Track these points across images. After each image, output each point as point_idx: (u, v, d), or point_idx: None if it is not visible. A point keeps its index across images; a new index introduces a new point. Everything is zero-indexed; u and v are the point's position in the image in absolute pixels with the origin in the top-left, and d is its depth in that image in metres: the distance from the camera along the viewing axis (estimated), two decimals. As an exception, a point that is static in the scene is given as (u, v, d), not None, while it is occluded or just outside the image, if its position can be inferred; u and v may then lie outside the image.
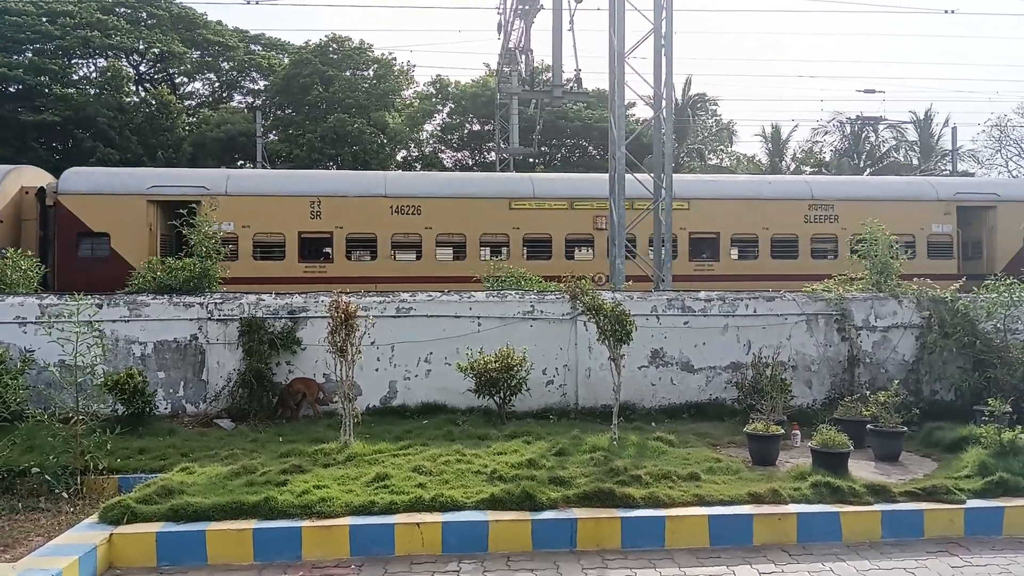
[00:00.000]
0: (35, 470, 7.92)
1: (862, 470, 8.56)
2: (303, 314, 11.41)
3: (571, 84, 27.99)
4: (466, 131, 45.15)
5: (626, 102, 16.53)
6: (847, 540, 7.20)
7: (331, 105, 39.86)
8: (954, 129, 39.51)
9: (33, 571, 5.75)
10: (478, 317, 11.61)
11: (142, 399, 10.12)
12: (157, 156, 36.96)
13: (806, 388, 11.92)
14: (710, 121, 47.42)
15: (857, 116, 40.65)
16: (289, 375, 11.27)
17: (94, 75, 39.68)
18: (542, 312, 11.71)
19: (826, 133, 45.02)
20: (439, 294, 11.98)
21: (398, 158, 43.67)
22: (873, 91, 38.04)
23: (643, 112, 40.58)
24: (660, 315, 11.86)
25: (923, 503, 7.55)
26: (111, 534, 6.58)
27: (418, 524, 6.88)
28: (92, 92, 37.64)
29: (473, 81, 44.39)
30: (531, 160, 39.50)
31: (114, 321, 11.11)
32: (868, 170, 42.30)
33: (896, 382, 10.24)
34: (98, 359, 9.02)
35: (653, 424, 10.59)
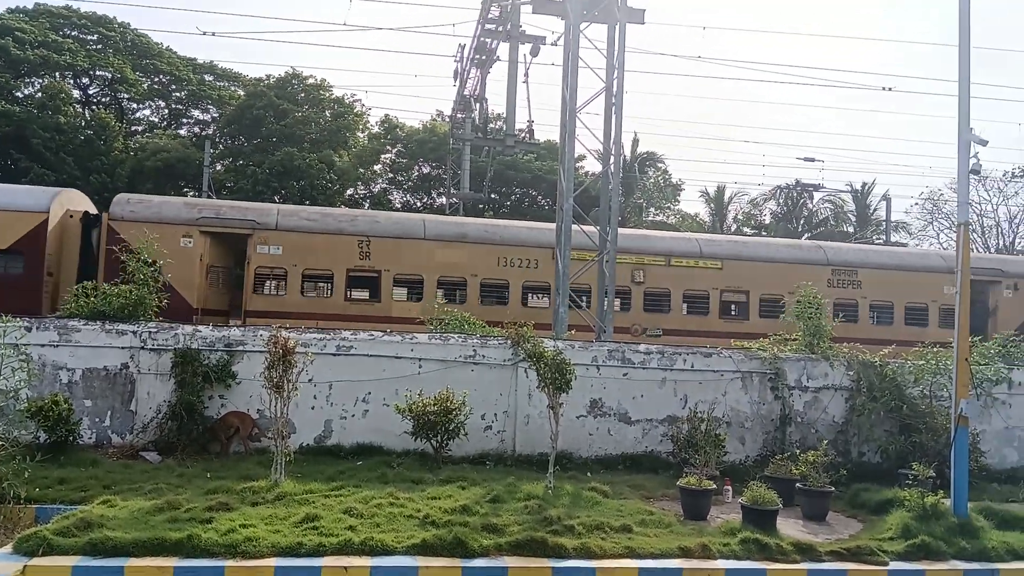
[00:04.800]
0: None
1: (790, 528, 8.71)
2: (240, 347, 11.20)
3: (523, 134, 28.37)
4: (416, 173, 45.31)
5: (576, 156, 16.89)
6: (774, 597, 7.29)
7: (282, 139, 39.68)
8: (888, 200, 41.10)
9: (-64, 603, 5.48)
10: (419, 359, 11.56)
11: (66, 427, 9.80)
12: (91, 179, 36.10)
13: (739, 444, 12.10)
14: (658, 178, 48.49)
15: (796, 182, 42.04)
16: (221, 409, 11.02)
17: (38, 94, 38.82)
18: (484, 357, 11.72)
19: (767, 200, 46.39)
20: (380, 334, 11.91)
21: (345, 196, 43.52)
22: (812, 159, 39.41)
23: (592, 165, 41.36)
24: (600, 365, 11.97)
25: (848, 563, 7.71)
26: (25, 566, 6.34)
27: (346, 568, 6.76)
28: (34, 111, 36.78)
29: (423, 125, 44.72)
30: (480, 206, 39.80)
31: (43, 345, 10.76)
32: (805, 235, 43.64)
33: (825, 442, 10.48)
34: (23, 383, 8.73)
35: (589, 474, 10.61)
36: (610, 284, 15.96)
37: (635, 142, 44.56)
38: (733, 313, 20.78)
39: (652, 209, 48.19)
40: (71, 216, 18.09)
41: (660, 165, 47.93)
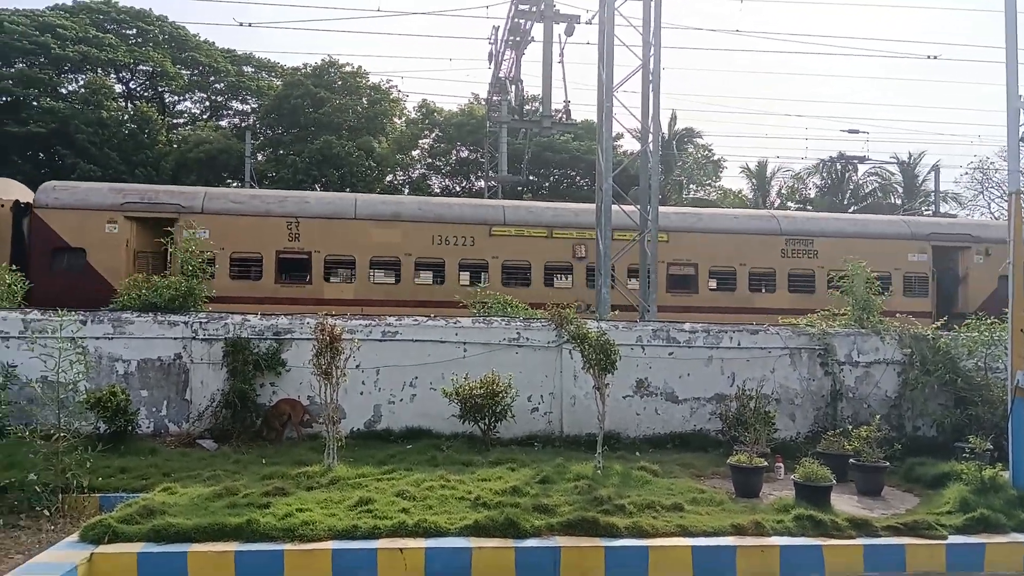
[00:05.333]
0: (22, 484, 7.81)
1: (844, 504, 8.61)
2: (288, 335, 11.37)
3: (560, 115, 28.23)
4: (454, 158, 45.37)
5: (614, 135, 16.74)
6: (829, 573, 7.24)
7: (321, 127, 39.98)
8: (937, 171, 40.13)
9: (11, 589, 5.68)
10: (464, 343, 11.62)
11: (124, 417, 10.04)
12: (136, 173, 36.76)
13: (789, 421, 11.99)
14: (698, 154, 47.89)
15: (840, 154, 41.13)
16: (273, 396, 11.21)
17: (81, 90, 39.57)
18: (528, 339, 11.74)
19: (811, 174, 45.51)
20: (425, 319, 11.99)
21: (385, 182, 43.76)
22: (857, 131, 38.64)
23: (630, 144, 40.98)
24: (645, 345, 11.92)
25: (905, 538, 7.60)
26: (92, 553, 6.52)
27: (401, 549, 6.85)
28: (77, 106, 37.51)
29: (460, 109, 44.70)
30: (519, 189, 39.70)
31: (98, 338, 11.03)
32: (851, 208, 42.81)
33: (878, 417, 10.32)
34: (81, 376, 8.96)
35: (637, 454, 10.60)
36: (652, 263, 15.89)
37: (673, 119, 43.98)
38: (682, 286, 20.38)
39: (693, 186, 47.66)
40: (1, 205, 18.17)
41: (699, 141, 47.32)
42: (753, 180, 46.05)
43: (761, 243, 20.33)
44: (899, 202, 43.06)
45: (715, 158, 49.04)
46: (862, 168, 43.65)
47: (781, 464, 10.09)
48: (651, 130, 16.01)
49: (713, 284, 20.49)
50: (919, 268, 20.66)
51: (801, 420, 12.13)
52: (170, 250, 13.06)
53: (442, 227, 19.18)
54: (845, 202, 43.73)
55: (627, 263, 18.62)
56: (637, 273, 19.31)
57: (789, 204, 46.03)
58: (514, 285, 18.77)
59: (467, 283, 19.27)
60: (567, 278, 19.82)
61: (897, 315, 12.86)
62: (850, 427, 10.33)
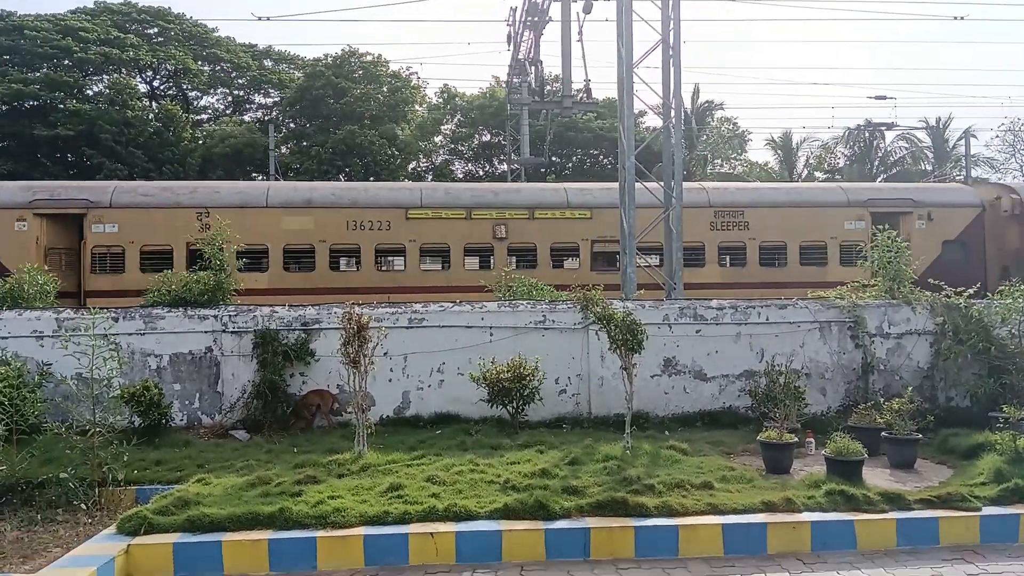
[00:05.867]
0: (59, 479, 7.97)
1: (877, 478, 8.54)
2: (316, 326, 11.48)
3: (581, 94, 28.05)
4: (476, 142, 45.33)
5: (636, 112, 16.60)
6: (862, 548, 7.18)
7: (343, 117, 40.12)
8: (967, 133, 39.31)
9: (52, 582, 5.81)
10: (490, 327, 11.65)
11: (158, 411, 10.22)
12: (164, 171, 37.19)
13: (820, 396, 11.88)
14: (722, 127, 47.36)
15: (867, 121, 40.47)
16: (303, 386, 11.34)
17: (106, 91, 40.03)
18: (554, 322, 11.74)
19: (838, 144, 44.84)
20: (451, 304, 12.02)
21: (408, 169, 43.87)
22: (884, 97, 37.99)
23: (653, 121, 40.65)
24: (672, 324, 11.86)
25: (938, 511, 7.51)
26: (128, 545, 6.65)
27: (432, 534, 6.91)
28: (103, 107, 37.98)
29: (481, 92, 44.61)
30: (542, 170, 39.59)
31: (130, 334, 11.22)
32: (881, 177, 42.15)
33: (910, 389, 10.19)
34: (114, 372, 9.09)
35: (666, 433, 10.58)
36: (677, 241, 15.77)
37: (695, 93, 43.59)
38: (608, 265, 20.01)
39: (718, 160, 47.19)
40: None
41: (723, 114, 46.79)
42: (779, 152, 45.51)
43: (688, 216, 19.78)
44: (929, 168, 42.31)
45: (739, 131, 48.50)
46: (890, 135, 42.95)
47: (812, 439, 10.02)
48: (673, 106, 15.84)
49: (639, 261, 20.14)
50: (857, 236, 19.93)
51: (832, 394, 12.02)
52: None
53: (357, 212, 18.95)
54: (874, 171, 43.06)
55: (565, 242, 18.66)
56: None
57: (817, 175, 45.46)
58: (432, 269, 18.61)
59: (386, 268, 19.08)
60: (488, 259, 19.51)
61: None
62: (882, 400, 10.21)
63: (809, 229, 19.73)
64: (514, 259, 19.16)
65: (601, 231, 19.41)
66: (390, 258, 19.49)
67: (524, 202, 19.62)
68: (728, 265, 19.98)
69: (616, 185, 23.39)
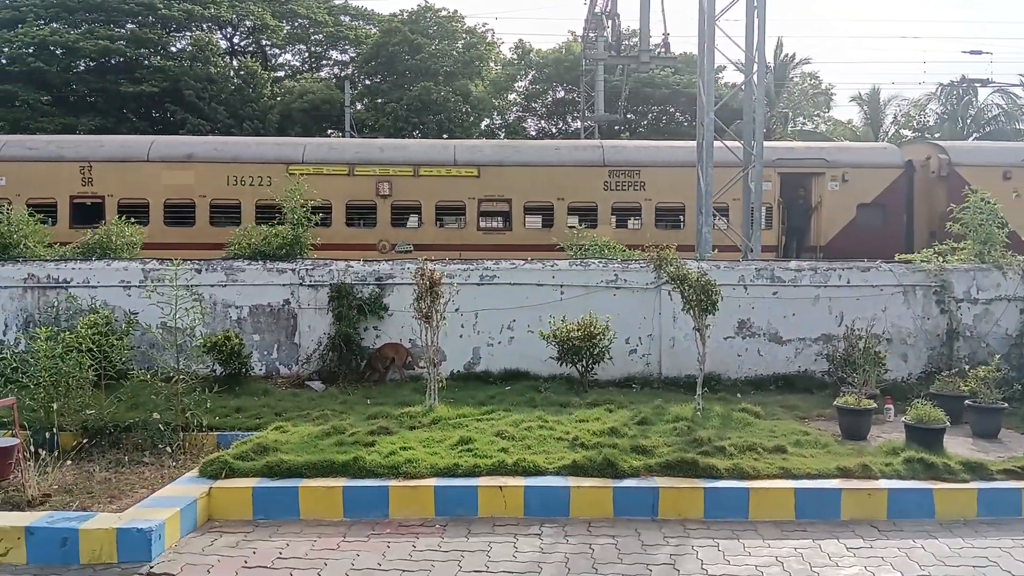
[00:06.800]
0: (146, 423, 8.30)
1: (958, 447, 8.26)
2: (390, 280, 11.63)
3: (659, 49, 27.43)
4: (550, 99, 44.84)
5: (716, 66, 16.14)
6: (940, 518, 6.98)
7: (418, 74, 40.13)
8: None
9: (138, 521, 6.10)
10: (561, 285, 11.61)
11: (238, 360, 10.56)
12: (244, 126, 37.93)
13: (901, 362, 11.52)
14: (805, 83, 45.70)
15: (961, 78, 38.48)
16: (376, 340, 11.54)
17: (189, 47, 40.89)
18: (626, 281, 11.62)
19: (929, 101, 42.78)
20: (522, 262, 12.01)
21: (482, 126, 43.75)
22: (980, 52, 35.99)
23: (732, 77, 39.51)
24: (748, 285, 11.62)
25: (1021, 482, 7.24)
26: (210, 488, 6.92)
27: (501, 487, 6.99)
28: (186, 63, 38.82)
29: (557, 47, 44.00)
30: (616, 128, 38.98)
31: (212, 286, 11.57)
32: (973, 136, 40.16)
33: (998, 357, 9.80)
34: (197, 322, 9.42)
35: (738, 395, 10.43)
36: (756, 201, 15.41)
37: (779, 46, 42.01)
38: (494, 224, 19.42)
39: (800, 118, 45.64)
40: None
41: (806, 69, 45.10)
42: (865, 109, 43.71)
43: (582, 175, 19.17)
44: (1026, 127, 40.12)
45: (823, 86, 46.72)
46: (984, 92, 40.75)
47: (891, 406, 9.74)
48: (756, 60, 15.35)
49: (529, 221, 19.53)
50: (763, 198, 18.94)
51: (913, 360, 11.63)
52: None
53: (238, 167, 18.78)
54: (966, 130, 41.05)
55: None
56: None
57: (904, 133, 43.58)
58: (314, 225, 18.35)
59: (264, 224, 18.71)
60: (371, 217, 19.18)
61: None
62: (966, 367, 9.85)
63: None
64: (397, 216, 19.04)
65: (488, 190, 19.04)
66: (272, 214, 19.37)
67: (409, 159, 19.27)
68: (623, 227, 19.37)
69: (504, 142, 22.65)
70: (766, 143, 18.91)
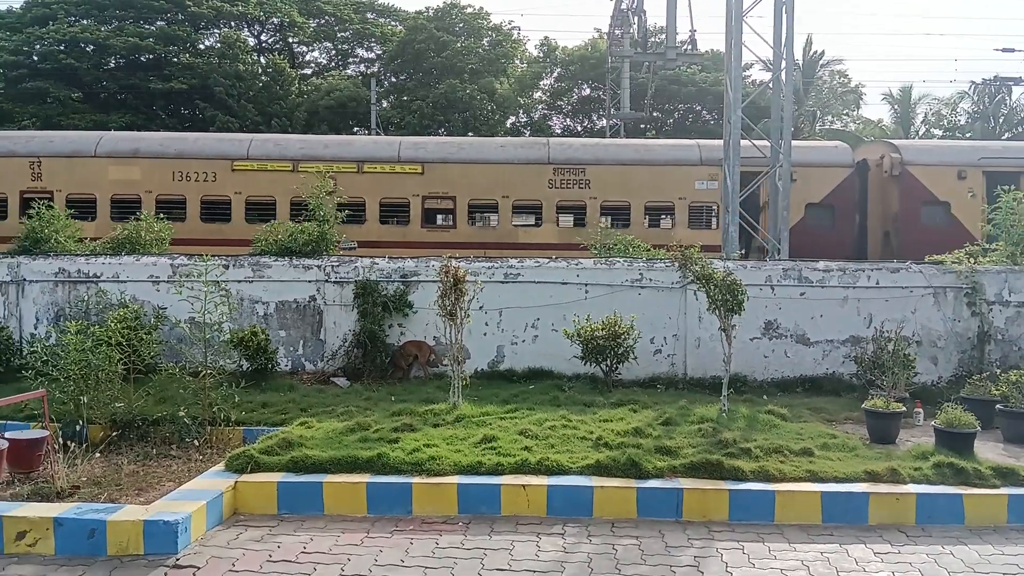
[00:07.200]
0: (174, 416, 8.41)
1: (989, 452, 8.13)
2: (415, 278, 11.66)
3: (685, 46, 27.22)
4: (575, 96, 44.74)
5: (743, 64, 16.01)
6: (969, 524, 6.87)
7: (443, 71, 40.21)
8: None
9: (165, 514, 6.15)
10: (585, 284, 11.57)
11: (265, 356, 10.64)
12: (272, 124, 38.20)
13: (931, 364, 11.36)
14: (834, 81, 45.20)
15: (995, 76, 37.90)
16: (401, 337, 11.58)
17: (217, 45, 41.26)
18: (651, 280, 11.56)
19: (961, 99, 42.15)
20: (547, 260, 11.99)
21: (507, 124, 43.74)
22: (1012, 50, 35.50)
23: (758, 75, 39.18)
24: (775, 285, 11.52)
25: (1055, 489, 7.10)
26: (236, 481, 6.98)
27: (524, 486, 6.98)
28: (214, 61, 39.16)
29: (582, 44, 43.90)
30: (642, 126, 38.81)
31: (239, 281, 11.66)
32: (1005, 136, 39.54)
33: (1031, 361, 9.62)
34: (224, 317, 9.49)
35: (765, 397, 10.33)
36: (783, 199, 15.26)
37: (807, 44, 41.62)
38: (438, 222, 19.20)
39: (829, 117, 45.15)
40: None
41: (836, 68, 44.59)
42: (896, 108, 43.17)
43: (527, 173, 18.89)
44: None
45: (853, 84, 46.18)
46: (1018, 91, 40.08)
47: (920, 410, 9.60)
48: (784, 57, 15.21)
49: (472, 219, 19.39)
50: (708, 197, 18.60)
51: (944, 364, 11.47)
52: None
53: (183, 163, 18.75)
54: (998, 129, 40.40)
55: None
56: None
57: (935, 132, 42.99)
58: (259, 222, 17.59)
59: (211, 220, 18.73)
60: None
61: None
62: (998, 371, 9.69)
63: (655, 189, 18.66)
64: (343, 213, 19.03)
65: (433, 187, 18.93)
66: (216, 210, 19.13)
67: (353, 155, 19.22)
68: (567, 225, 19.16)
69: (448, 139, 22.58)
70: (714, 141, 18.73)
